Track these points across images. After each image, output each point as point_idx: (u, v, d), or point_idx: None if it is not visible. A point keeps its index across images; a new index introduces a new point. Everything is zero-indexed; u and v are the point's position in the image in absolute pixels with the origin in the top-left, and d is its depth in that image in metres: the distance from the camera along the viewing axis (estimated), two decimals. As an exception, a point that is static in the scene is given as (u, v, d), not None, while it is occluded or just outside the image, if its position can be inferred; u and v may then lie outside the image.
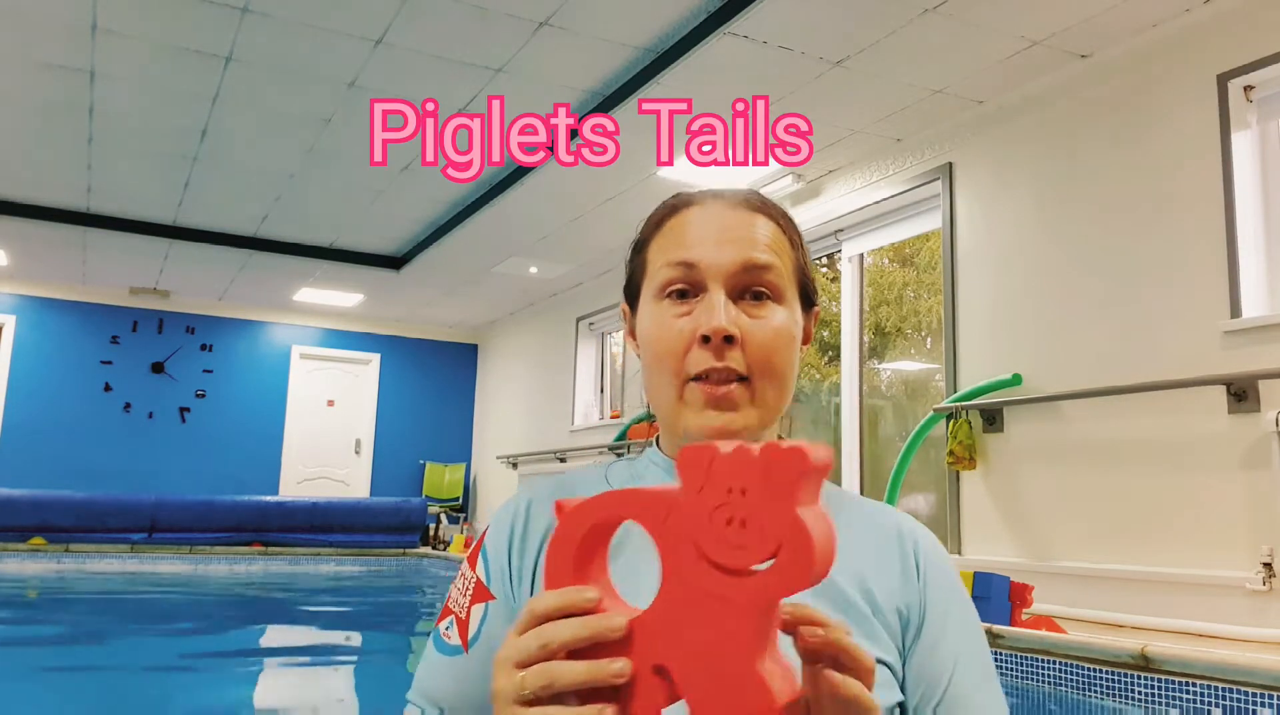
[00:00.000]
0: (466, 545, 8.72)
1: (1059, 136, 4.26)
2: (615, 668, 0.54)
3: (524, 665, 0.56)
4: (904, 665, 0.82)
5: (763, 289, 0.85)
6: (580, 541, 0.57)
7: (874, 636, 0.81)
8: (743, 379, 0.83)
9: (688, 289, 0.85)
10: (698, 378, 0.83)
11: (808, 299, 0.91)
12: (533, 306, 9.55)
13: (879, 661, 0.79)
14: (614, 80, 4.51)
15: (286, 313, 10.14)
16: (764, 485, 0.51)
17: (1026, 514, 4.19)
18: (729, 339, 0.82)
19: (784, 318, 0.85)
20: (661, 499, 0.54)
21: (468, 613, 0.87)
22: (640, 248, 0.92)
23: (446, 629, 0.87)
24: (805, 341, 0.92)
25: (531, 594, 0.83)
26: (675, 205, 0.91)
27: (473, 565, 0.89)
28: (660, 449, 0.93)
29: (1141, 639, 3.05)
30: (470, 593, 0.88)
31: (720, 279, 0.83)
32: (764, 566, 0.51)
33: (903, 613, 0.84)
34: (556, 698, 0.55)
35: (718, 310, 0.82)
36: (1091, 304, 4.02)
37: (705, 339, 0.82)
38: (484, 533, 0.91)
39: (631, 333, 0.94)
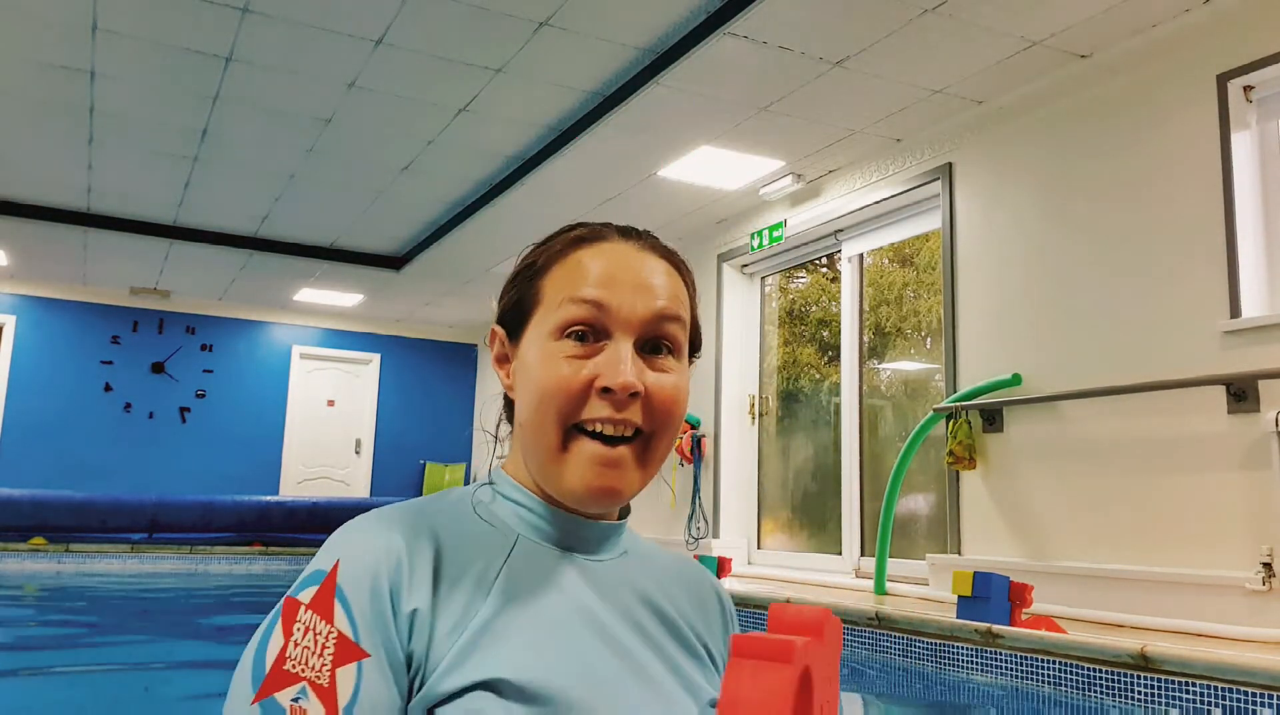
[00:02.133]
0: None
1: (1059, 136, 4.26)
2: None
3: None
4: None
5: (667, 343, 0.82)
6: None
7: (711, 682, 0.85)
8: (637, 434, 0.80)
9: (588, 332, 0.80)
10: (587, 428, 0.78)
11: (694, 347, 0.89)
12: (533, 306, 9.54)
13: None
14: (614, 80, 4.51)
15: (286, 313, 10.14)
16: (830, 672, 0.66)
17: (1026, 514, 4.19)
18: (633, 395, 0.78)
19: (682, 375, 0.83)
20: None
21: (332, 677, 0.68)
22: (533, 274, 0.86)
23: (295, 700, 0.68)
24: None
25: (430, 645, 0.71)
26: (579, 237, 0.86)
27: (325, 616, 0.70)
28: (510, 475, 0.86)
29: (1141, 639, 3.05)
30: (330, 652, 0.69)
31: (630, 328, 0.80)
32: None
33: (718, 660, 0.89)
34: None
35: (625, 363, 0.78)
36: (1091, 304, 4.02)
37: (606, 391, 0.77)
38: (331, 573, 0.73)
39: (500, 361, 0.88)
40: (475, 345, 11.10)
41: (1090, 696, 2.99)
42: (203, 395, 9.72)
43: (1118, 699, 2.90)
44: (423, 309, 9.85)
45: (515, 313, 0.86)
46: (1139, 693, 2.85)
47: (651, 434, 0.80)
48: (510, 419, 0.90)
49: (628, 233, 0.87)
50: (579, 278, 0.82)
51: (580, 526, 0.84)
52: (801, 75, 4.34)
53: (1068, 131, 4.22)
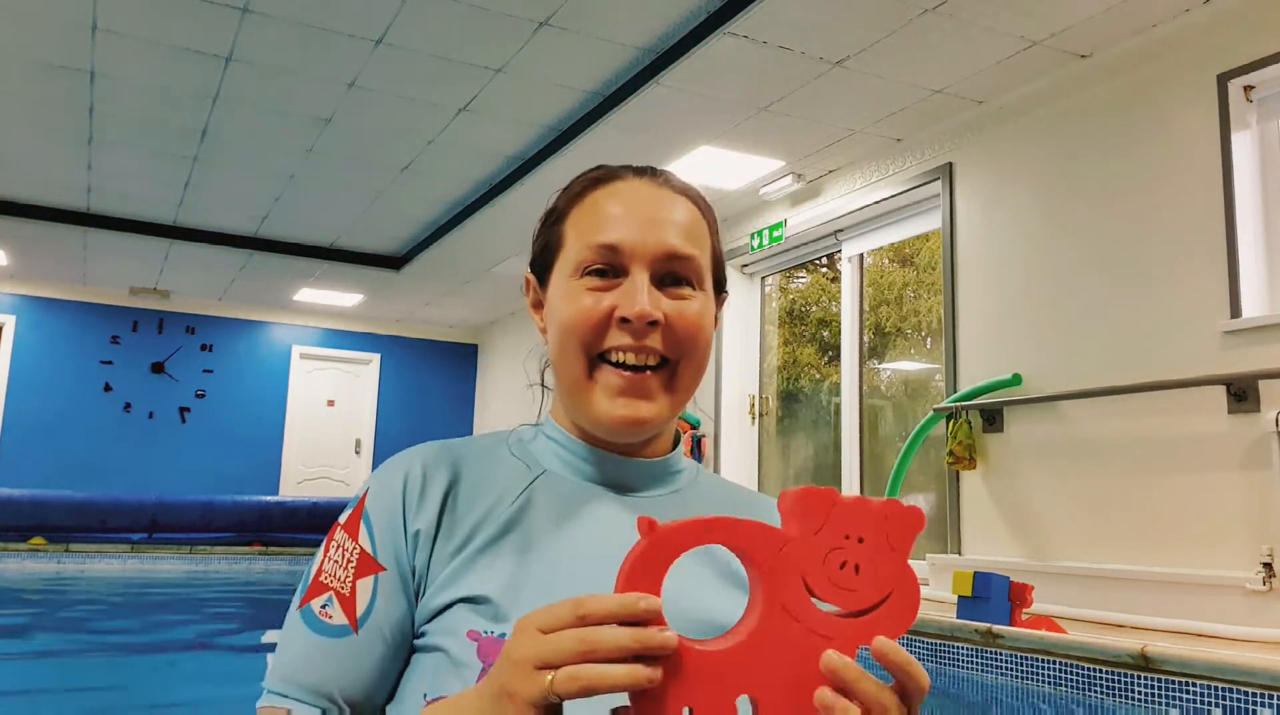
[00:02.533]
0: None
1: (1059, 136, 4.26)
2: (661, 638, 0.53)
3: (552, 666, 0.54)
4: None
5: (684, 276, 0.83)
6: (658, 571, 0.57)
7: None
8: (663, 363, 0.82)
9: (607, 270, 0.82)
10: (610, 358, 0.80)
11: (719, 284, 0.90)
12: (533, 306, 9.54)
13: None
14: (614, 80, 4.51)
15: (286, 313, 10.14)
16: (882, 537, 0.55)
17: (1026, 514, 4.19)
18: (653, 323, 0.80)
19: (703, 303, 0.84)
20: (773, 535, 0.56)
21: (353, 588, 0.77)
22: (556, 219, 0.89)
23: (323, 607, 0.78)
24: (714, 326, 0.90)
25: (426, 559, 0.78)
26: (596, 178, 0.88)
27: (353, 535, 0.80)
28: (556, 422, 0.89)
29: (1141, 639, 3.05)
30: (353, 565, 0.78)
31: (645, 262, 0.81)
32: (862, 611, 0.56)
33: None
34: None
35: (640, 293, 0.80)
36: (1091, 304, 4.02)
37: (625, 321, 0.79)
38: (361, 498, 0.82)
39: (535, 306, 0.91)
40: (475, 345, 11.10)
41: (1090, 696, 2.99)
42: (203, 395, 9.72)
43: (1118, 699, 2.90)
44: (423, 309, 9.85)
45: (542, 258, 0.89)
46: (1139, 693, 2.85)
47: (677, 361, 0.82)
48: None
49: (642, 171, 0.88)
50: (595, 220, 0.84)
51: (619, 464, 0.86)
52: (801, 75, 4.34)
53: (1068, 131, 4.22)
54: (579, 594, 0.63)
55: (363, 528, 0.80)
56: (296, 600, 0.80)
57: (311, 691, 0.76)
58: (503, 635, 0.74)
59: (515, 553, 0.78)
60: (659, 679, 0.53)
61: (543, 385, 0.93)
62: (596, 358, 0.81)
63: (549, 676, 0.54)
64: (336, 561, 0.79)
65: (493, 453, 0.87)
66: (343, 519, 0.82)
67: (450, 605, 0.76)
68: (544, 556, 0.79)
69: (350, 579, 0.78)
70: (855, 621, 0.56)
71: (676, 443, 0.92)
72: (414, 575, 0.79)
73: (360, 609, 0.77)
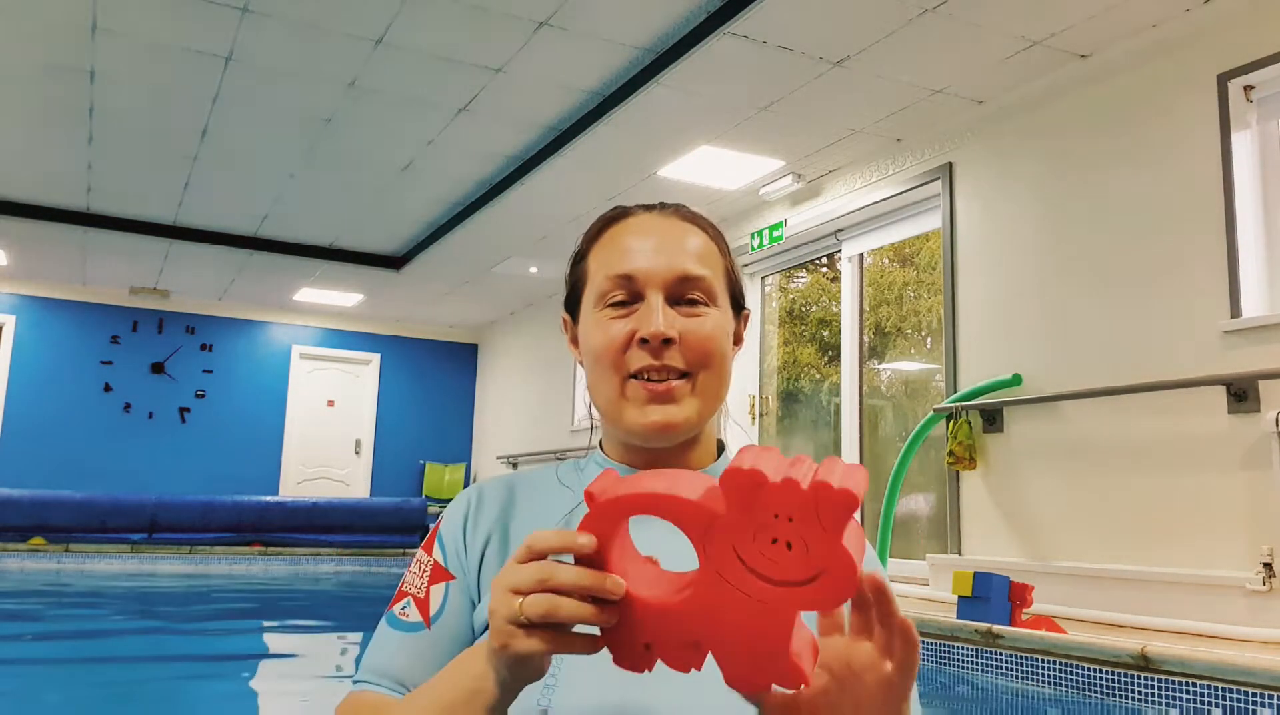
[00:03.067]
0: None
1: (1059, 136, 4.26)
2: (610, 583, 0.61)
3: (521, 592, 0.62)
4: None
5: (697, 296, 0.91)
6: (606, 530, 0.62)
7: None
8: (685, 375, 0.89)
9: (627, 298, 0.90)
10: (637, 375, 0.89)
11: (737, 303, 0.98)
12: (533, 306, 9.55)
13: None
14: (614, 80, 4.51)
15: (286, 313, 10.14)
16: (813, 518, 0.56)
17: (1026, 514, 4.19)
18: (668, 342, 0.88)
19: (718, 318, 0.92)
20: (702, 509, 0.59)
21: (427, 592, 0.90)
22: (579, 260, 0.98)
23: (403, 609, 0.90)
24: (736, 343, 0.97)
25: (480, 571, 0.91)
26: (611, 218, 0.97)
27: (429, 551, 0.93)
28: (604, 452, 0.98)
29: (1141, 639, 3.05)
30: (428, 575, 0.92)
31: (657, 287, 0.89)
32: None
33: None
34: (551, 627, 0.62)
35: (655, 314, 0.88)
36: (1091, 304, 4.02)
37: (644, 341, 0.87)
38: (438, 522, 0.96)
39: (574, 342, 0.99)
40: (475, 345, 11.10)
41: (1090, 696, 2.99)
42: (202, 395, 9.72)
43: (1118, 699, 2.90)
44: (423, 309, 9.85)
45: (572, 296, 0.99)
46: (1139, 693, 2.85)
47: (697, 372, 0.90)
48: None
49: (653, 207, 0.98)
50: (612, 254, 0.93)
51: None
52: (801, 75, 4.34)
53: (1068, 131, 4.22)
54: None
55: (437, 545, 0.94)
56: (386, 607, 0.93)
57: (390, 678, 0.88)
58: None
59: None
60: (610, 621, 0.62)
61: (591, 419, 1.01)
62: (627, 378, 0.89)
63: (519, 600, 0.62)
64: (415, 573, 0.93)
65: (544, 482, 0.98)
66: (423, 542, 0.96)
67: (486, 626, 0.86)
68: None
69: (425, 585, 0.91)
70: (790, 590, 0.58)
71: (720, 455, 0.99)
72: (478, 582, 0.91)
73: (433, 609, 0.89)
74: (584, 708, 0.80)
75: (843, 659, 0.64)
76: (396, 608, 0.91)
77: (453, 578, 0.91)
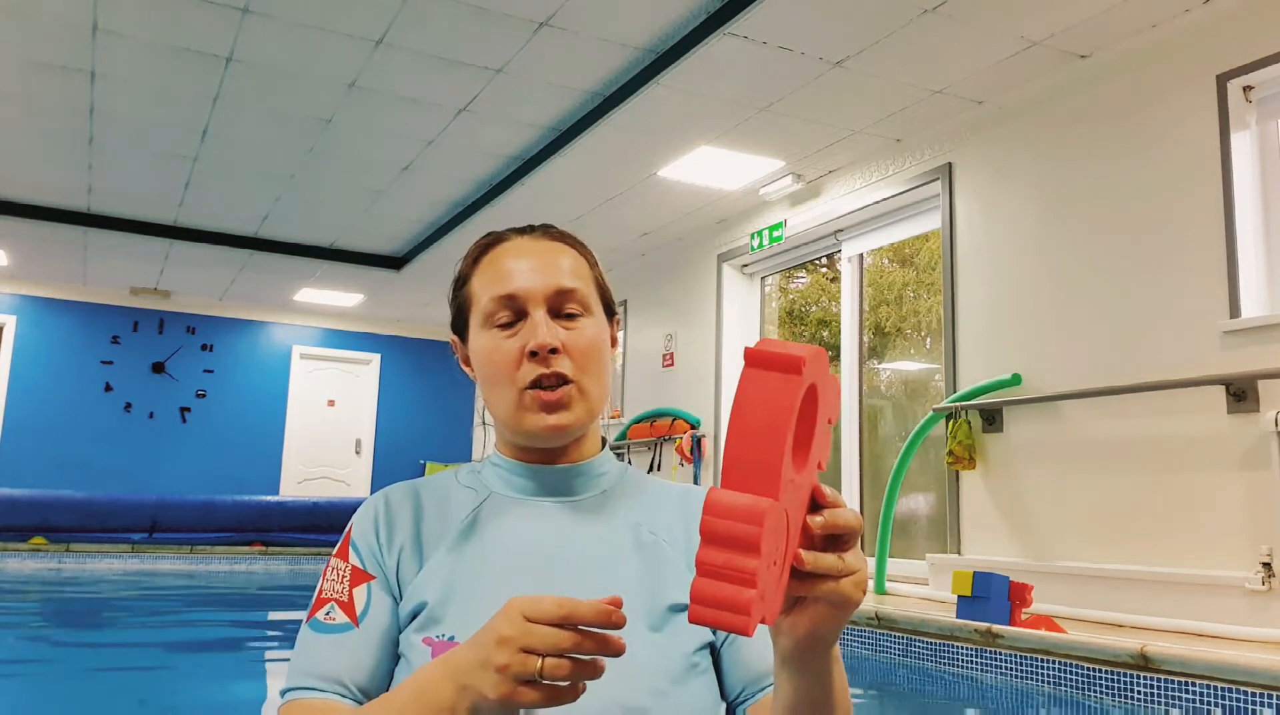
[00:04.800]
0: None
1: (1059, 137, 4.26)
2: (618, 644, 0.70)
3: (538, 653, 0.68)
4: None
5: (573, 308, 0.99)
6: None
7: (685, 584, 0.94)
8: (570, 381, 0.97)
9: (512, 316, 0.98)
10: (532, 386, 0.96)
11: (609, 309, 1.06)
12: (533, 306, 9.55)
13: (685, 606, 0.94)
14: (614, 80, 4.51)
15: (286, 313, 10.14)
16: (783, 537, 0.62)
17: (1026, 514, 4.19)
18: (554, 351, 0.96)
19: (595, 327, 1.01)
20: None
21: (350, 595, 0.94)
22: (462, 284, 1.05)
23: (327, 614, 0.93)
24: (613, 345, 1.06)
25: (398, 572, 0.96)
26: (488, 243, 1.05)
27: (344, 558, 0.97)
28: (501, 452, 1.05)
29: (1141, 639, 3.05)
30: (348, 579, 0.95)
31: (539, 302, 0.98)
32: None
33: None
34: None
35: (540, 327, 0.96)
36: (1091, 304, 4.02)
37: (533, 354, 0.96)
38: (347, 531, 1.00)
39: (465, 361, 1.07)
40: (475, 345, 11.10)
41: (1090, 696, 2.99)
42: (203, 395, 9.72)
43: (1118, 699, 2.91)
44: (423, 309, 9.86)
45: (458, 319, 1.06)
46: (1139, 693, 2.85)
47: (581, 377, 0.98)
48: None
49: (524, 230, 1.06)
50: (491, 278, 1.01)
51: (552, 472, 1.02)
52: (801, 75, 4.34)
53: (1068, 131, 4.22)
54: (512, 587, 0.86)
55: (351, 551, 0.97)
56: (304, 620, 0.95)
57: (324, 679, 0.90)
58: (451, 638, 0.88)
59: (453, 563, 0.95)
60: (600, 673, 0.69)
61: (484, 423, 1.08)
62: (522, 390, 0.96)
63: (539, 661, 0.67)
64: (333, 580, 0.96)
65: (446, 486, 1.04)
66: (335, 551, 0.99)
67: (410, 618, 0.93)
68: (477, 561, 0.96)
69: (347, 589, 0.95)
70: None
71: (604, 448, 1.08)
72: (396, 581, 0.96)
73: (359, 608, 0.93)
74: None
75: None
76: (319, 614, 0.94)
77: (373, 578, 0.95)
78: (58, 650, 4.65)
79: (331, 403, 10.35)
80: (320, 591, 0.96)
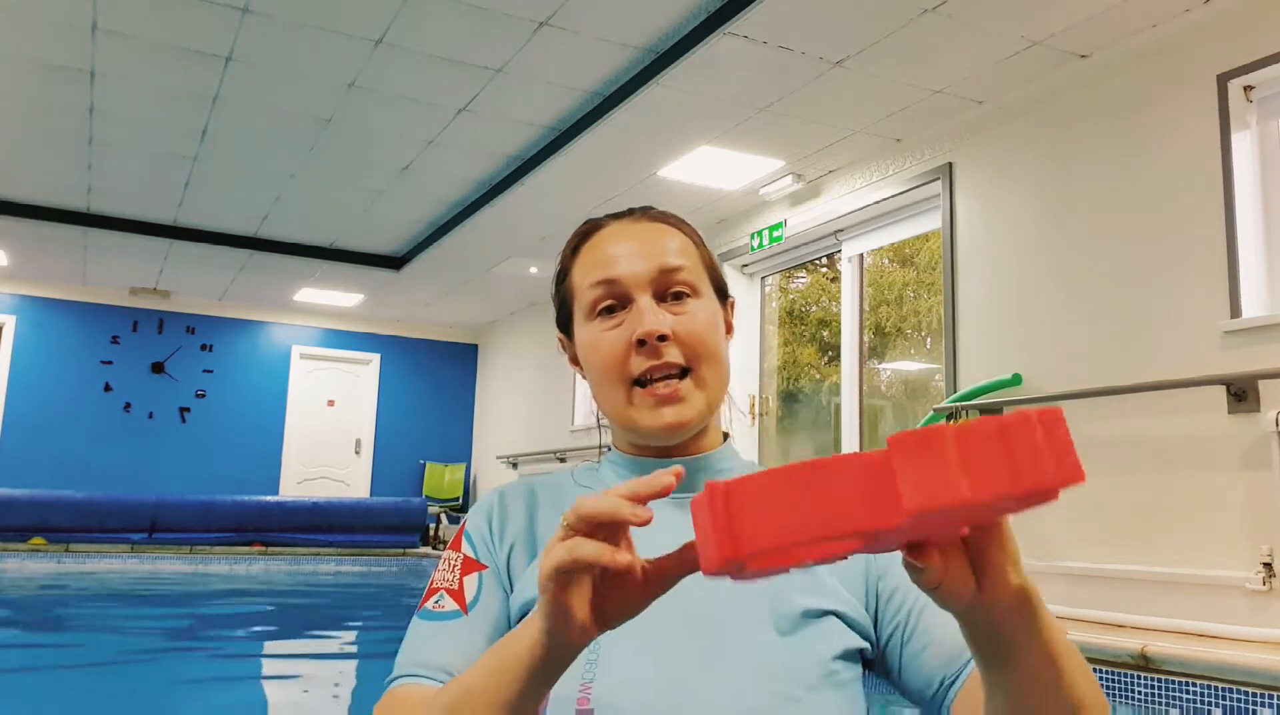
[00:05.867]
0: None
1: (1059, 137, 4.26)
2: (666, 481, 0.60)
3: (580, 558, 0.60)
4: (875, 614, 0.92)
5: (681, 288, 0.93)
6: None
7: (819, 591, 0.89)
8: (685, 372, 0.91)
9: (615, 303, 0.92)
10: (640, 381, 0.90)
11: (721, 292, 1.00)
12: (533, 306, 9.55)
13: (830, 613, 0.89)
14: (614, 80, 4.51)
15: (286, 313, 10.15)
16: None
17: (1026, 514, 4.17)
18: (662, 338, 0.89)
19: (706, 309, 0.94)
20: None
21: (460, 583, 0.92)
22: (563, 277, 1.00)
23: (436, 602, 0.91)
24: (728, 332, 1.00)
25: (509, 567, 0.93)
26: (585, 232, 0.99)
27: (457, 548, 0.95)
28: (619, 450, 1.01)
29: (1141, 639, 3.05)
30: (459, 568, 0.93)
31: (644, 287, 0.91)
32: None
33: (868, 571, 0.93)
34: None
35: (646, 313, 0.90)
36: (1091, 304, 4.02)
37: (640, 343, 0.89)
38: (462, 524, 0.98)
39: (573, 360, 1.01)
40: (475, 345, 11.10)
41: (1090, 696, 2.98)
42: (203, 395, 9.72)
43: (1118, 699, 2.91)
44: (423, 309, 9.86)
45: (562, 313, 1.01)
46: (1139, 693, 2.85)
47: (697, 366, 0.91)
48: None
49: (622, 214, 1.00)
50: (591, 266, 0.95)
51: (658, 467, 0.94)
52: (801, 75, 4.34)
53: (1068, 131, 4.22)
54: None
55: (464, 542, 0.95)
56: (416, 609, 0.93)
57: (431, 667, 0.87)
58: None
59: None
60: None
61: (599, 423, 1.05)
62: (632, 385, 0.91)
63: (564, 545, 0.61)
64: (444, 570, 0.94)
65: (561, 484, 1.01)
66: (448, 544, 0.98)
67: (520, 614, 0.90)
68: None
69: (458, 577, 0.92)
70: None
71: (725, 441, 1.03)
72: (507, 574, 0.93)
73: (469, 597, 0.91)
74: (624, 680, 0.82)
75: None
76: (429, 603, 0.91)
77: (485, 567, 0.93)
78: (57, 650, 4.65)
79: (331, 403, 10.35)
80: (432, 582, 0.95)
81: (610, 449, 1.03)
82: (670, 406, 0.90)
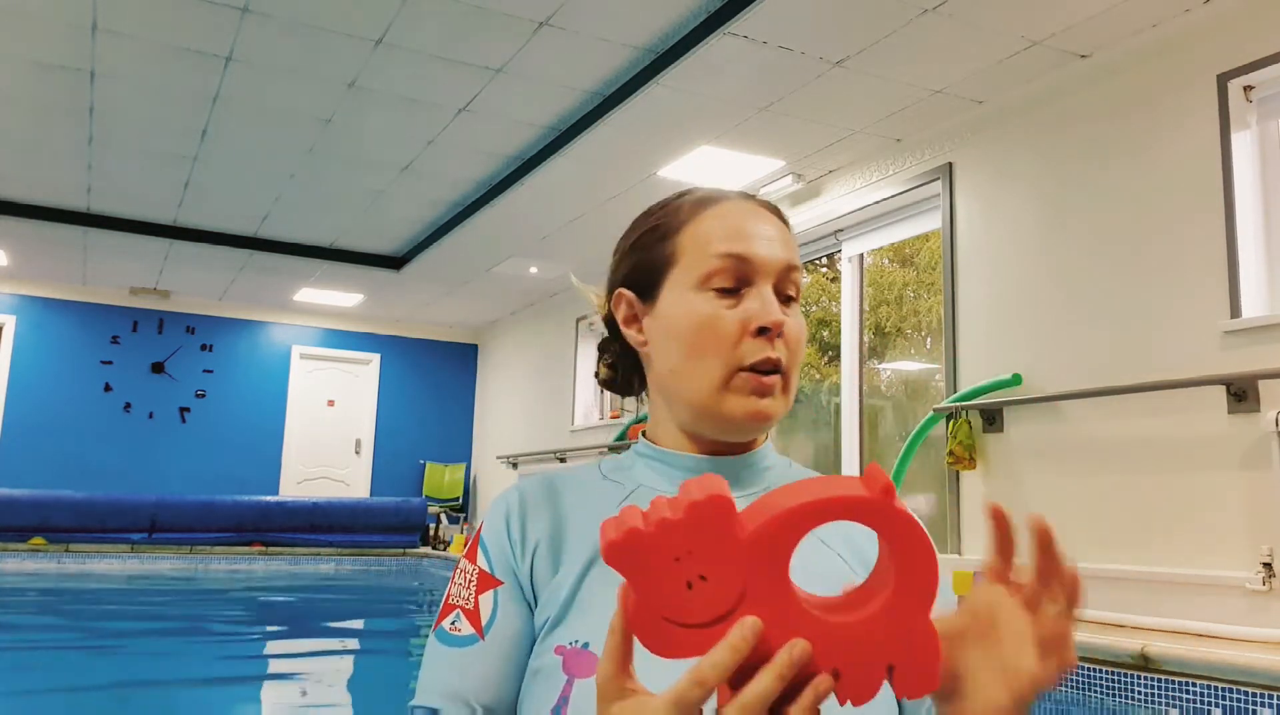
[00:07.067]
0: (465, 544, 8.74)
1: (1059, 137, 4.26)
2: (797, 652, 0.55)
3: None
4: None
5: (792, 291, 0.90)
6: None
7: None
8: (777, 369, 0.88)
9: (736, 283, 0.87)
10: (747, 367, 0.86)
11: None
12: (533, 306, 9.55)
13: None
14: (614, 80, 4.51)
15: (286, 313, 10.14)
16: (704, 542, 0.53)
17: (1026, 514, 4.18)
18: (779, 334, 0.87)
19: (800, 318, 0.91)
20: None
21: (475, 603, 0.87)
22: (662, 237, 0.92)
23: (453, 623, 0.87)
24: None
25: (532, 574, 0.88)
26: (705, 198, 0.93)
27: (472, 560, 0.90)
28: (650, 440, 0.95)
29: (1141, 639, 3.05)
30: (474, 584, 0.88)
31: (767, 275, 0.87)
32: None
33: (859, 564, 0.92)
34: None
35: (773, 304, 0.86)
36: (1091, 304, 4.02)
37: (761, 331, 0.85)
38: (479, 529, 0.93)
39: (631, 321, 0.94)
40: (475, 345, 11.10)
41: (1090, 696, 2.99)
42: (203, 395, 9.72)
43: (1118, 699, 2.91)
44: (423, 309, 9.86)
45: (646, 274, 0.92)
46: (1139, 693, 2.85)
47: (789, 367, 0.89)
48: (643, 379, 0.97)
49: (742, 195, 0.95)
50: (722, 235, 0.88)
51: (708, 463, 0.91)
52: (801, 75, 4.34)
53: (1068, 131, 4.22)
54: None
55: (480, 553, 0.90)
56: (432, 626, 0.90)
57: (448, 697, 0.84)
58: (585, 645, 0.80)
59: (593, 564, 0.85)
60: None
61: (639, 399, 0.99)
62: (737, 369, 0.86)
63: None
64: (460, 584, 0.89)
65: (587, 479, 0.95)
66: (465, 551, 0.92)
67: (546, 624, 0.85)
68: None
69: (473, 596, 0.88)
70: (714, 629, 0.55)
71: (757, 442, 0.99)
72: (530, 586, 0.88)
73: (484, 619, 0.86)
74: None
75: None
76: (445, 623, 0.88)
77: (501, 584, 0.88)
78: (57, 651, 4.65)
79: (331, 403, 10.35)
80: (448, 596, 0.90)
81: (641, 440, 0.97)
82: (767, 398, 0.87)
